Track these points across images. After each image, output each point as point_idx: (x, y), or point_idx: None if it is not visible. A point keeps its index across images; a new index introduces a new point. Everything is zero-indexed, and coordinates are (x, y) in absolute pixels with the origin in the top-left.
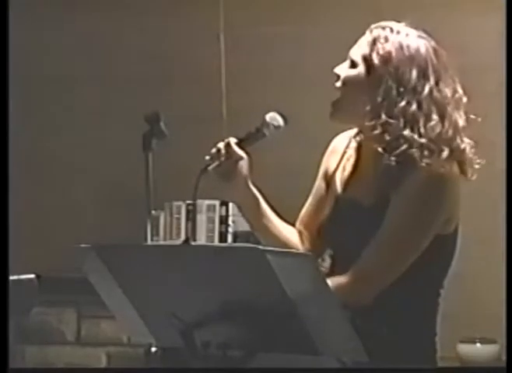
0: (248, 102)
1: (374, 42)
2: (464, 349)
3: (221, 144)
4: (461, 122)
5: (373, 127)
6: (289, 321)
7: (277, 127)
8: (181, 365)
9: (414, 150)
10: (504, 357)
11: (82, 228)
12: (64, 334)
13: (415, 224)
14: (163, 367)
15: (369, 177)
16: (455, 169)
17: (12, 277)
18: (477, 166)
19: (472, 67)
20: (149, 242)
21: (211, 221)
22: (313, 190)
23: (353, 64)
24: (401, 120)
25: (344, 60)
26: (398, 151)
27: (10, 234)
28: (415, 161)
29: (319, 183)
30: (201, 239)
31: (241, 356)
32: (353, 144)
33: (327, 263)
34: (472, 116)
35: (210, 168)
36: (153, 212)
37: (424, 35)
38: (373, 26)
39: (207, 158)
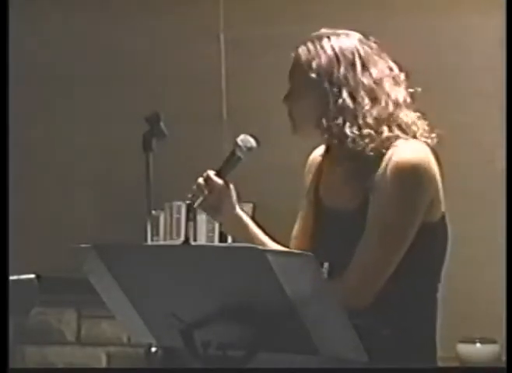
0: (248, 102)
1: (300, 59)
2: (464, 349)
3: (201, 179)
4: (402, 97)
5: (322, 134)
6: (289, 321)
7: (250, 149)
8: (181, 365)
9: (359, 143)
10: (504, 357)
11: (82, 228)
12: (64, 334)
13: (397, 212)
14: (163, 367)
15: (345, 185)
16: (422, 152)
17: (12, 277)
18: (434, 135)
19: (472, 67)
20: (149, 242)
21: (211, 221)
22: (300, 211)
23: (292, 88)
24: (341, 118)
25: None
26: (346, 149)
27: (10, 234)
28: (365, 152)
29: (303, 203)
30: (201, 239)
31: (241, 356)
32: (326, 160)
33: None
34: (411, 90)
35: (195, 205)
36: (153, 212)
37: (347, 32)
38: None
39: (189, 196)
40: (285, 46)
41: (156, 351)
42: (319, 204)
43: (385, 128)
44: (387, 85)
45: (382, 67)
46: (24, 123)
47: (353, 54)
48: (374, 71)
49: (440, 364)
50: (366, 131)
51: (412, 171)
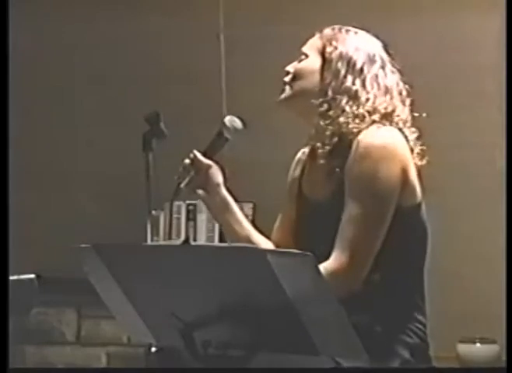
0: (248, 102)
1: (323, 36)
2: (464, 349)
3: (187, 160)
4: (404, 115)
5: (320, 105)
6: (289, 321)
7: (237, 130)
8: (181, 365)
9: (349, 120)
10: (504, 357)
11: (82, 228)
12: (64, 334)
13: (370, 190)
14: (163, 367)
15: (323, 175)
16: (391, 136)
17: (12, 277)
18: (425, 160)
19: (472, 67)
20: (149, 242)
21: (211, 221)
22: (283, 206)
23: (304, 57)
24: (345, 97)
25: None
26: (334, 122)
27: (10, 234)
28: (347, 135)
29: (286, 197)
30: (201, 239)
31: (241, 356)
32: (310, 157)
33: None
34: (416, 114)
35: (182, 185)
36: (153, 212)
37: (373, 36)
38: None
39: (176, 178)
40: (285, 46)
41: (156, 351)
42: (301, 197)
43: (377, 116)
44: (395, 94)
45: (395, 77)
46: (24, 122)
47: (375, 52)
48: (390, 75)
49: (440, 364)
50: (361, 112)
51: (378, 149)
